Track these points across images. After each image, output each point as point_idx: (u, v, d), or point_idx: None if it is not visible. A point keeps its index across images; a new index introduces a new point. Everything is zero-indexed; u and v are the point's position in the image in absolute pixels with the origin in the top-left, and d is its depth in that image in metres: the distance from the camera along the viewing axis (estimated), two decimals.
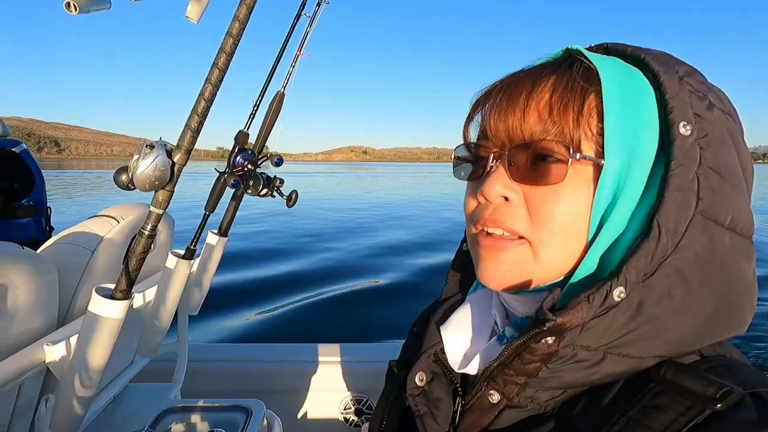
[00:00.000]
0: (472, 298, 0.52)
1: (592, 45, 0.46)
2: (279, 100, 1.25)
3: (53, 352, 0.82)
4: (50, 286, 0.86)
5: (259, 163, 1.13)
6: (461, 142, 0.49)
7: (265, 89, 1.14)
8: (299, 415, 2.15)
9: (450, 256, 0.59)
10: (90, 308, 0.79)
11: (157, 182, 0.76)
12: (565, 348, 0.38)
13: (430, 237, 9.71)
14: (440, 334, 0.50)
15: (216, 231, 1.38)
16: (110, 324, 0.80)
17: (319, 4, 1.27)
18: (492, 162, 0.43)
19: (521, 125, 0.41)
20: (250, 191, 1.23)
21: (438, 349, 0.51)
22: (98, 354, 0.82)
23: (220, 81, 0.78)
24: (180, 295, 1.13)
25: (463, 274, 0.57)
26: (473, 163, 0.46)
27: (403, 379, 0.54)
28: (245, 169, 1.09)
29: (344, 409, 2.15)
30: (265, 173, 1.24)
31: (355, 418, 2.17)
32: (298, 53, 1.28)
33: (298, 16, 1.13)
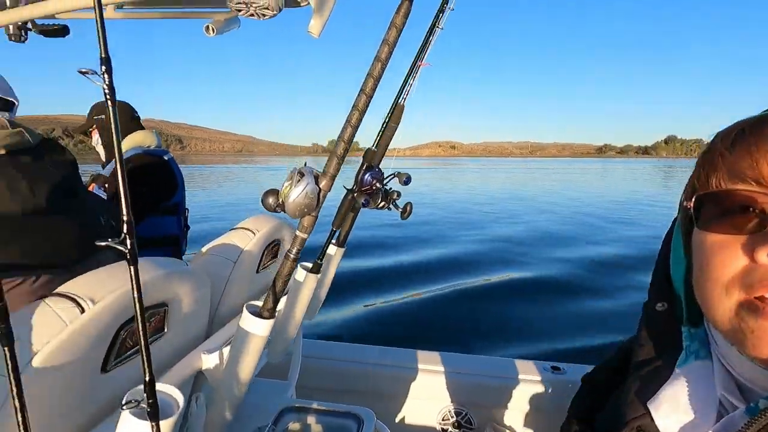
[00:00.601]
0: (688, 370, 0.45)
1: None
2: (398, 112, 1.23)
3: (208, 361, 0.90)
4: (205, 298, 0.95)
5: (385, 182, 1.13)
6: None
7: (395, 105, 1.12)
8: (397, 419, 2.17)
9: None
10: (241, 324, 0.85)
11: (305, 209, 0.78)
12: None
13: (559, 232, 9.49)
14: (646, 408, 0.45)
15: (335, 242, 1.41)
16: (257, 340, 0.85)
17: (443, 11, 1.23)
18: None
19: None
20: (369, 204, 1.24)
21: (643, 423, 0.46)
22: (246, 365, 0.88)
23: (366, 106, 0.77)
24: (307, 306, 1.18)
25: (659, 338, 0.50)
26: (733, 212, 0.39)
27: None
28: (373, 187, 1.09)
29: (442, 420, 2.12)
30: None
31: (454, 431, 2.12)
32: (419, 63, 1.24)
33: (431, 29, 1.10)
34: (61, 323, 0.59)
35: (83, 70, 0.39)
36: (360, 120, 0.78)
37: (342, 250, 1.42)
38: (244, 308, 0.84)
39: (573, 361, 2.23)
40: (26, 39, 1.79)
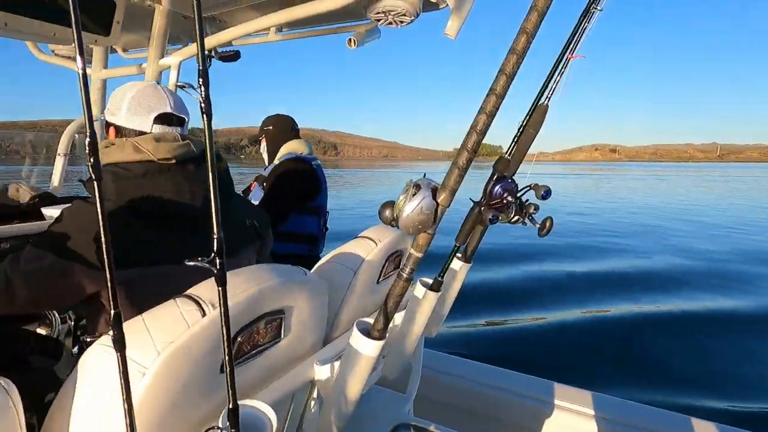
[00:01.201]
0: None
1: None
2: (540, 115, 1.05)
3: (320, 372, 0.89)
4: (323, 307, 0.95)
5: (520, 195, 0.98)
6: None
7: (535, 106, 0.97)
8: None
9: None
10: (351, 342, 0.81)
11: (420, 226, 0.70)
12: None
13: None
14: None
15: (461, 256, 1.31)
16: (366, 360, 0.81)
17: None
18: None
19: None
20: (500, 218, 1.10)
21: None
22: (355, 382, 0.85)
23: (496, 108, 0.66)
24: (425, 324, 1.10)
25: None
26: None
27: None
28: (504, 201, 0.95)
29: None
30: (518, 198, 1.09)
31: None
32: (569, 56, 1.05)
33: (586, 12, 0.91)
34: (184, 325, 0.62)
35: (180, 84, 0.38)
36: (488, 125, 0.66)
37: (468, 266, 1.30)
38: (354, 325, 0.81)
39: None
40: (210, 65, 2.14)
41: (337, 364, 0.88)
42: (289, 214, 2.14)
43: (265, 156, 2.34)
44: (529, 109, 0.97)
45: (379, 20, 1.69)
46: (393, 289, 0.76)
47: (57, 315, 1.43)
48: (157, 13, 1.84)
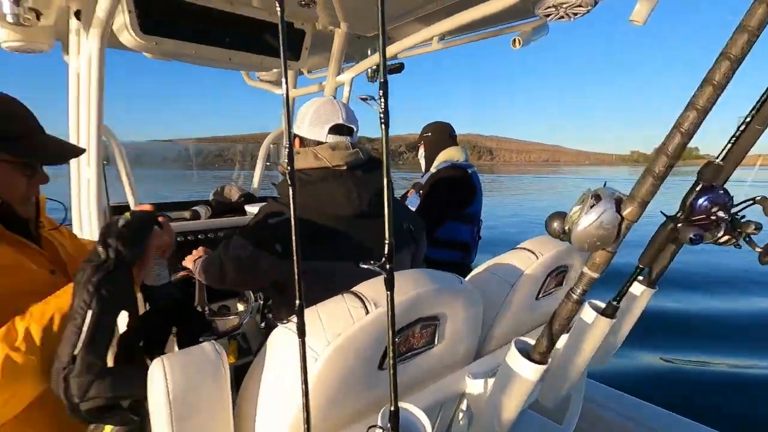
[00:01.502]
0: None
1: None
2: None
3: (472, 386, 0.86)
4: (477, 318, 0.92)
5: (735, 210, 0.77)
6: None
7: (765, 99, 0.75)
8: None
9: None
10: (507, 361, 0.76)
11: (598, 242, 0.61)
12: None
13: None
14: None
15: (643, 279, 1.11)
16: (524, 383, 0.75)
17: None
18: None
19: None
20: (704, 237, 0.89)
21: None
22: (510, 405, 0.79)
23: (712, 103, 0.53)
24: (593, 353, 0.97)
25: None
26: None
27: None
28: (712, 217, 0.77)
29: None
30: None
31: None
32: None
33: None
34: (350, 320, 0.67)
35: (363, 97, 0.40)
36: (698, 124, 0.54)
37: (651, 291, 1.10)
38: (512, 344, 0.75)
39: None
40: (376, 78, 2.31)
41: (490, 381, 0.84)
42: (445, 221, 2.16)
43: (422, 162, 2.40)
44: (758, 101, 0.76)
45: (548, 15, 1.57)
46: (560, 311, 0.69)
47: (252, 295, 1.73)
48: (336, 36, 2.07)
